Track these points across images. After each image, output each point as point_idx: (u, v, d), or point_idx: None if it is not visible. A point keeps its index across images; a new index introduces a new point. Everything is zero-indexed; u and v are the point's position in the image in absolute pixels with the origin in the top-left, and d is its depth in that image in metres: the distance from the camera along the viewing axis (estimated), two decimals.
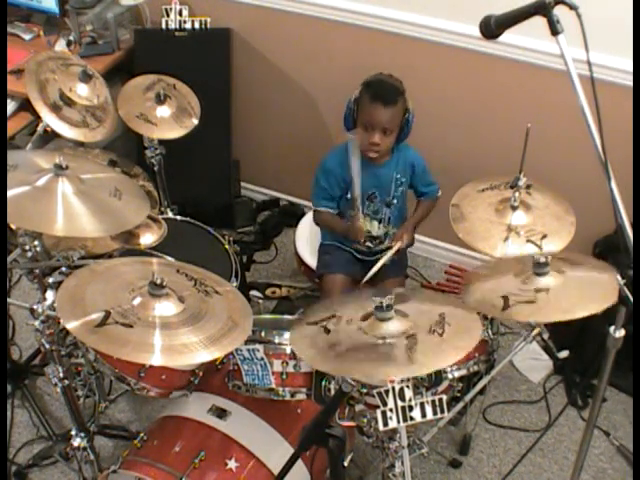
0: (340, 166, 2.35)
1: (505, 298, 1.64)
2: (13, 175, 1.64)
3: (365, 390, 1.71)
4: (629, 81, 2.35)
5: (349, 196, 2.37)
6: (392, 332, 1.51)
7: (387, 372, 1.48)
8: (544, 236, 2.00)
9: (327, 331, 1.57)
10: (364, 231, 2.35)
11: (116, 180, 1.85)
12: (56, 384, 1.85)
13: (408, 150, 2.40)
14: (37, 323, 1.69)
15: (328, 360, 1.51)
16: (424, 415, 1.56)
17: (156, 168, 2.57)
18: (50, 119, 2.13)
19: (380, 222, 2.44)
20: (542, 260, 1.66)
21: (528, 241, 1.99)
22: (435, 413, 1.57)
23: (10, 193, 1.58)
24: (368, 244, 2.47)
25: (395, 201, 2.41)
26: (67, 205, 1.63)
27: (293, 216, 3.28)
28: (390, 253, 2.33)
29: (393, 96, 2.22)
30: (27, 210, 1.60)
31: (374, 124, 2.22)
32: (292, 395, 1.84)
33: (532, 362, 2.77)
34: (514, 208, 2.05)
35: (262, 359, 1.82)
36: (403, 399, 1.54)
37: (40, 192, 1.64)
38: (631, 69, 2.31)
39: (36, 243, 1.79)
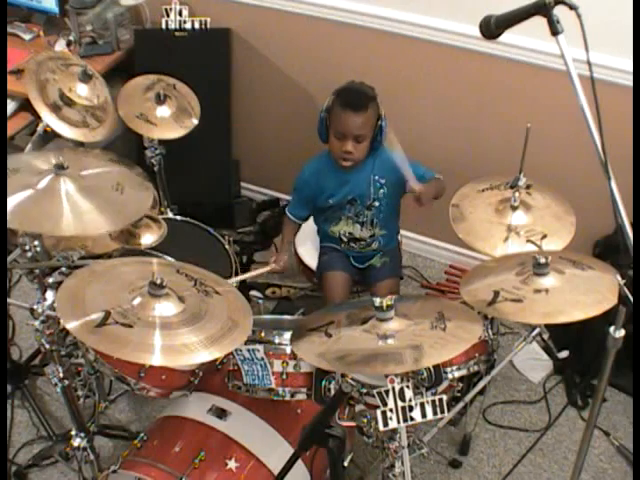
0: (316, 175, 2.38)
1: (496, 293, 1.64)
2: (14, 179, 1.64)
3: (365, 390, 1.71)
4: (629, 81, 2.35)
5: (331, 202, 2.39)
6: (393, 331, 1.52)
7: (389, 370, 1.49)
8: (544, 236, 2.00)
9: (329, 335, 1.57)
10: (285, 266, 2.46)
11: (117, 174, 1.85)
12: (56, 384, 1.85)
13: (384, 150, 2.33)
14: (37, 323, 1.69)
15: (333, 361, 1.52)
16: (424, 415, 1.56)
17: (156, 168, 2.58)
18: (50, 119, 2.13)
19: (362, 225, 2.43)
20: (542, 260, 1.66)
21: (528, 241, 1.99)
22: (435, 413, 1.58)
23: (14, 198, 1.59)
24: (352, 244, 2.48)
25: (377, 203, 2.39)
26: (72, 204, 1.63)
27: None
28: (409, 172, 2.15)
29: (363, 102, 2.20)
30: (33, 213, 1.60)
31: (346, 132, 2.21)
32: (292, 395, 1.84)
33: (532, 362, 2.77)
34: (514, 208, 2.05)
35: (262, 359, 1.82)
36: (403, 399, 1.55)
37: (43, 194, 1.64)
38: (631, 69, 2.31)
39: (36, 243, 1.79)
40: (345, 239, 2.47)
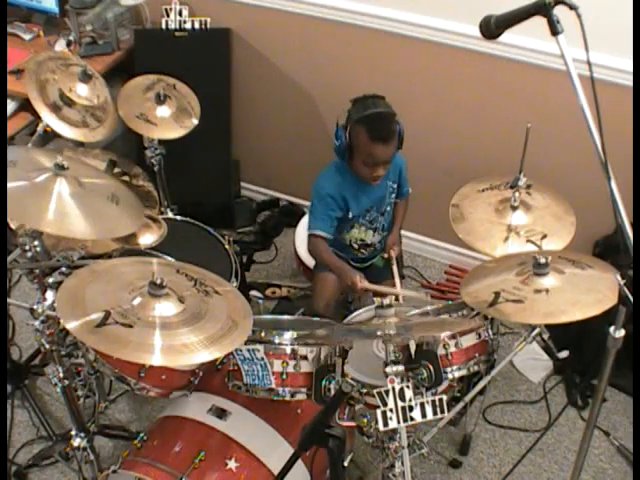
0: (339, 187, 2.29)
1: (496, 294, 1.64)
2: (12, 171, 1.64)
3: (365, 390, 1.71)
4: (629, 81, 2.35)
5: (350, 215, 2.35)
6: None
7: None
8: (544, 236, 2.00)
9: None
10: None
11: (114, 187, 1.84)
12: (56, 384, 1.85)
13: (395, 156, 2.33)
14: (37, 323, 1.69)
15: None
16: (424, 415, 1.56)
17: (156, 168, 2.57)
18: (50, 119, 2.13)
19: (375, 231, 2.44)
20: (542, 261, 1.66)
21: (528, 241, 1.99)
22: (435, 413, 1.57)
23: (8, 186, 1.58)
24: (362, 250, 2.49)
25: (389, 208, 2.42)
26: (60, 204, 1.62)
27: (293, 216, 3.28)
28: (395, 269, 2.37)
29: (392, 129, 2.16)
30: (20, 203, 1.58)
31: (378, 162, 2.18)
32: (292, 395, 1.84)
33: (532, 362, 2.77)
34: (514, 208, 2.05)
35: (262, 359, 1.81)
36: (403, 399, 1.55)
37: (37, 188, 1.63)
38: (631, 69, 2.31)
39: (36, 243, 1.79)
40: (356, 246, 2.47)
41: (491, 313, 1.67)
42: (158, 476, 1.78)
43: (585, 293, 1.63)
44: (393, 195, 2.40)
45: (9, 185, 1.59)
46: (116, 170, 2.29)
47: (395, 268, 2.37)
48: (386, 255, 2.48)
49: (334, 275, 2.43)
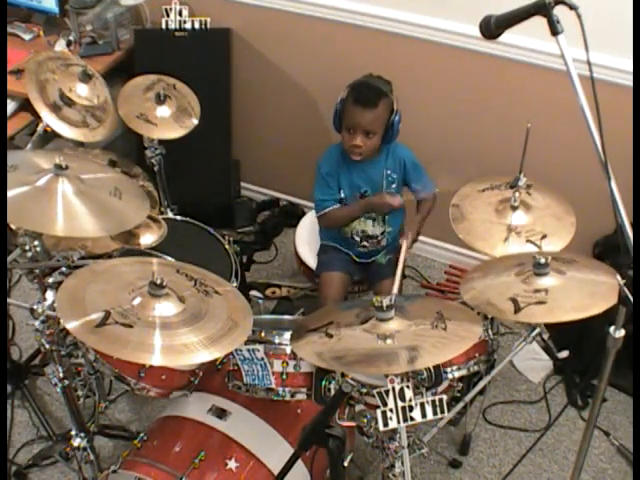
0: (333, 165, 2.39)
1: (514, 301, 1.64)
2: (13, 176, 1.64)
3: (365, 390, 1.71)
4: (629, 81, 2.35)
5: (342, 195, 2.40)
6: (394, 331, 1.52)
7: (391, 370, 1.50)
8: (544, 236, 2.00)
9: (329, 336, 1.57)
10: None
11: (116, 180, 1.85)
12: (56, 384, 1.84)
13: (398, 147, 2.40)
14: (37, 323, 1.69)
15: (333, 362, 1.52)
16: (424, 415, 1.56)
17: (156, 168, 2.57)
18: (50, 119, 2.13)
19: (374, 221, 2.44)
20: (542, 261, 1.66)
21: (528, 241, 1.99)
22: (435, 413, 1.58)
23: (10, 193, 1.58)
24: (364, 243, 2.48)
25: None
26: (67, 205, 1.63)
27: (293, 216, 3.28)
28: (402, 255, 2.28)
29: (374, 98, 2.22)
30: (27, 210, 1.60)
31: (355, 126, 2.24)
32: (292, 395, 1.84)
33: (532, 362, 2.77)
34: (514, 208, 2.06)
35: (262, 359, 1.82)
36: (403, 399, 1.55)
37: (40, 192, 1.64)
38: (631, 69, 2.31)
39: (36, 243, 1.79)
40: (358, 238, 2.47)
41: (521, 319, 1.65)
42: (158, 476, 1.78)
43: (595, 286, 1.63)
44: (393, 186, 2.38)
45: (13, 192, 1.59)
46: (116, 170, 2.29)
47: (402, 258, 2.27)
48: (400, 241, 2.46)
49: (338, 274, 2.44)
